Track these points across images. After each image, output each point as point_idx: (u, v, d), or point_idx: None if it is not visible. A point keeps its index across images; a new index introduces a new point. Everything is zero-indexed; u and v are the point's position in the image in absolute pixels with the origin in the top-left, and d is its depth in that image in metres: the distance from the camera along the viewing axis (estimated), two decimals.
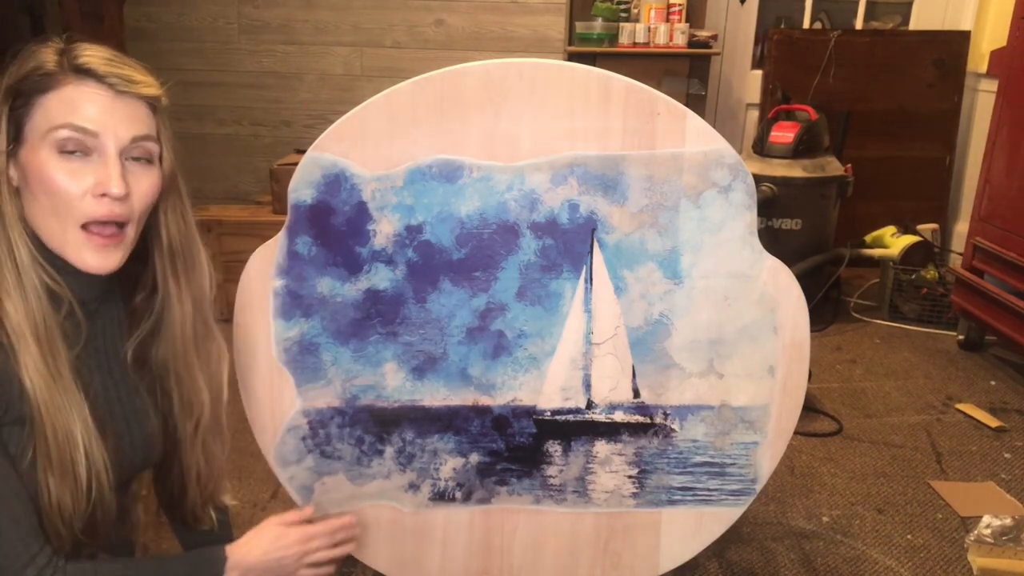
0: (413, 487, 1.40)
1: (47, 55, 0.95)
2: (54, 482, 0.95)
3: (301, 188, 1.27)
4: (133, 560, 1.04)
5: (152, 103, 1.00)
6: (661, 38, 3.57)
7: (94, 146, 0.95)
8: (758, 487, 1.41)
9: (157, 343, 1.09)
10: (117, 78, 0.96)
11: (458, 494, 1.40)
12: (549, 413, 1.37)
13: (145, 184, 0.99)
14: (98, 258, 0.97)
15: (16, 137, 0.95)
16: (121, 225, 0.98)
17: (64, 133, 0.94)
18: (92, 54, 0.96)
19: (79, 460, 0.96)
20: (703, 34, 3.65)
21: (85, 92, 0.95)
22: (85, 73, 0.95)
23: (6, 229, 0.95)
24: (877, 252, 3.45)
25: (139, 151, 0.99)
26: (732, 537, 1.82)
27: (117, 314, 1.09)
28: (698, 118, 1.26)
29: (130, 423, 1.08)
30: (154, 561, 1.07)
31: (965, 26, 3.90)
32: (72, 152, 0.95)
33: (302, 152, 1.34)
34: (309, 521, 1.21)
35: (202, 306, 1.12)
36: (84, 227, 0.96)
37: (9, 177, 0.96)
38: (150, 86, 0.99)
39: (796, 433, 1.53)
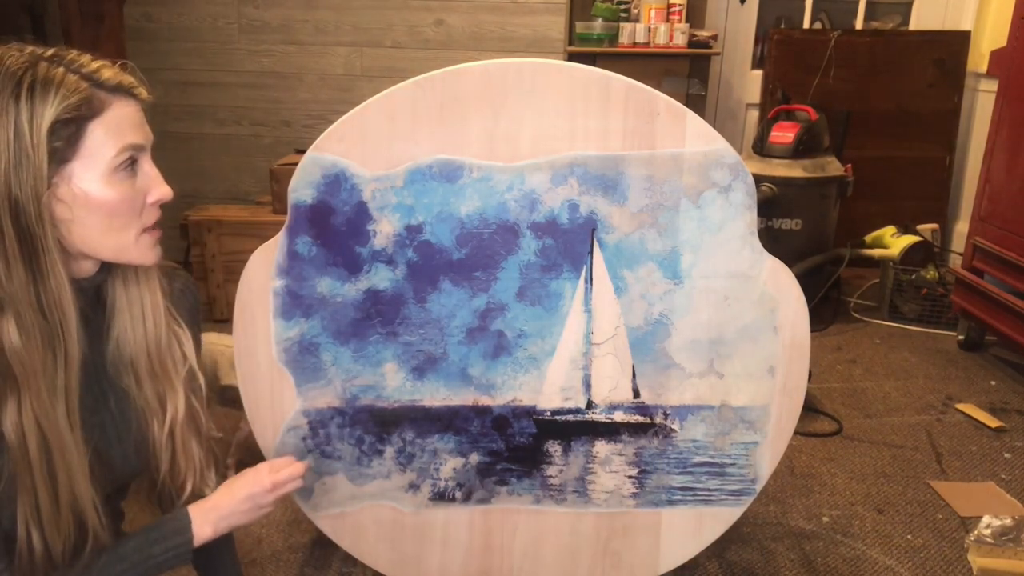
0: (413, 487, 1.40)
1: (71, 80, 0.90)
2: (31, 508, 0.93)
3: (301, 188, 1.27)
4: (90, 557, 1.00)
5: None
6: (661, 38, 3.57)
7: (139, 157, 0.97)
8: (758, 487, 1.41)
9: (120, 347, 1.06)
10: (136, 88, 0.96)
11: (458, 494, 1.40)
12: (549, 413, 1.37)
13: None
14: (157, 251, 1.02)
15: (59, 171, 0.91)
16: None
17: (125, 155, 0.94)
18: (106, 67, 0.95)
19: (63, 490, 0.95)
20: (703, 34, 3.64)
21: (125, 110, 0.95)
22: (114, 90, 0.94)
23: (48, 264, 0.92)
24: (877, 252, 3.44)
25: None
26: (732, 537, 1.82)
27: (96, 324, 1.05)
28: (698, 118, 1.26)
29: (120, 433, 1.07)
30: (117, 549, 1.03)
31: (965, 26, 3.90)
32: (125, 169, 0.95)
33: (302, 152, 1.34)
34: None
35: (157, 305, 1.08)
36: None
37: (53, 212, 0.91)
38: (145, 87, 0.99)
39: (796, 433, 1.53)
